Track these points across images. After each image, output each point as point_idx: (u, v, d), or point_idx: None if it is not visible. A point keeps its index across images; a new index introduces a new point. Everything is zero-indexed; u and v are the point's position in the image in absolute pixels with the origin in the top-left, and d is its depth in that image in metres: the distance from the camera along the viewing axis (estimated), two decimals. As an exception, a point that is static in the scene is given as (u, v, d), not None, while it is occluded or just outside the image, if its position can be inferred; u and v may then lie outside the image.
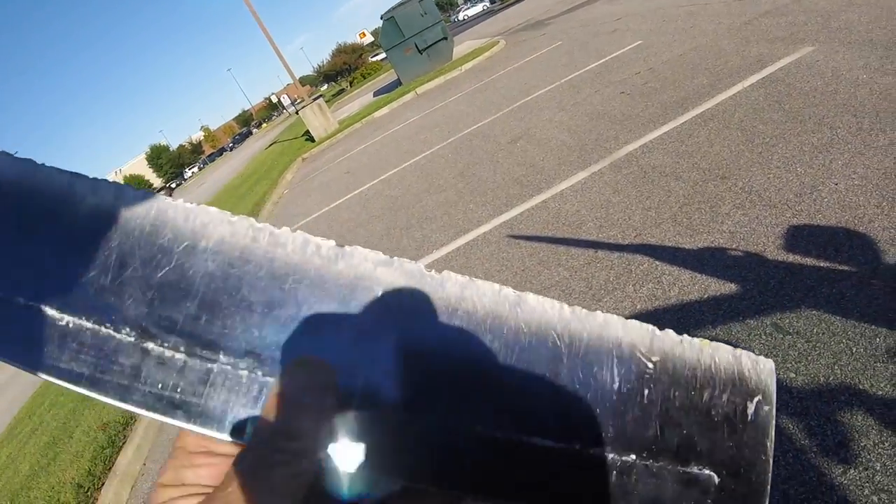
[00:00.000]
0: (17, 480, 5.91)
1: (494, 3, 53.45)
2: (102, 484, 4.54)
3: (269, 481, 0.25)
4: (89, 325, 0.32)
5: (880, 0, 5.26)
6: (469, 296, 0.34)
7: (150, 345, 0.32)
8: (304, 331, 0.32)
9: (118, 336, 0.32)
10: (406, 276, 0.34)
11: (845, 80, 4.08)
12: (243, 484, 0.25)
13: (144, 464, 4.73)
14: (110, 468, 4.70)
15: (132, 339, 0.32)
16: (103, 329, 0.32)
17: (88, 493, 4.51)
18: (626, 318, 0.36)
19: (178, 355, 0.31)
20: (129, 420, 5.32)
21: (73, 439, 5.93)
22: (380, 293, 0.33)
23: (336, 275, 0.33)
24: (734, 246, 2.96)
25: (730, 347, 0.36)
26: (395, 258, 0.34)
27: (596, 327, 0.35)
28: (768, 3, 7.02)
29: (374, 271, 0.34)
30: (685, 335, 0.36)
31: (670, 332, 0.36)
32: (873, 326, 2.15)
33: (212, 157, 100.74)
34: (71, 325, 0.32)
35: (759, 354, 0.37)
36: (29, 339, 0.32)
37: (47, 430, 7.02)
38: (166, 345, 0.32)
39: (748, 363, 0.36)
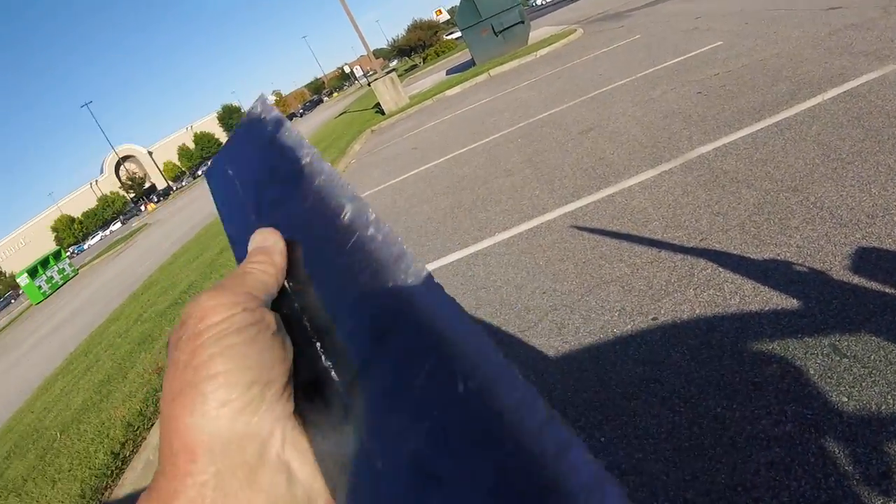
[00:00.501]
0: (68, 413, 6.16)
1: (574, -12, 52.49)
2: (153, 425, 4.70)
3: (242, 279, 0.38)
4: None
5: (984, 19, 5.05)
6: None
7: None
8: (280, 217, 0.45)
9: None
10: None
11: (935, 102, 3.98)
12: (229, 281, 0.38)
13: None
14: (161, 410, 4.91)
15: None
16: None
17: (138, 431, 4.68)
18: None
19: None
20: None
21: (126, 379, 6.16)
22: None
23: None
24: (800, 261, 2.96)
25: (579, 446, 0.22)
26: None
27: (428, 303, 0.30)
28: (855, 15, 6.79)
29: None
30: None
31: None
32: (932, 355, 2.16)
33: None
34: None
35: (615, 484, 0.21)
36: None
37: (102, 368, 7.30)
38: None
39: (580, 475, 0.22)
